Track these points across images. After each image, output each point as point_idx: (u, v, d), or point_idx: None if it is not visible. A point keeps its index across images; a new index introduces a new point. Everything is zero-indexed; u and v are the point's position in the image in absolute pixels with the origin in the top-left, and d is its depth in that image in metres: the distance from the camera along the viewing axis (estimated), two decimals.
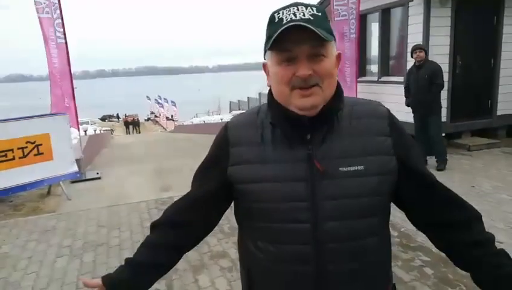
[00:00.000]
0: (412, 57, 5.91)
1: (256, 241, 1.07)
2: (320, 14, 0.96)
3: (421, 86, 5.77)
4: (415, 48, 5.85)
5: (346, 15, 7.72)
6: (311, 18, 0.94)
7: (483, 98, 7.18)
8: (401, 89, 7.27)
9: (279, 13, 0.97)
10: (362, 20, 8.05)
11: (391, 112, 1.09)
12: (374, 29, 8.16)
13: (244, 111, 1.17)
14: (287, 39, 0.93)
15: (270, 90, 1.08)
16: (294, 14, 0.94)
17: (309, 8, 0.96)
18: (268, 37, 0.98)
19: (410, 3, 6.86)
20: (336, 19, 7.72)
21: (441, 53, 6.44)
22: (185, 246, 1.19)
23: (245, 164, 1.04)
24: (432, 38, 6.61)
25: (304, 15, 0.94)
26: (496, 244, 1.08)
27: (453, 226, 1.07)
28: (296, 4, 0.98)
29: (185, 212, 1.15)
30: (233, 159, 1.06)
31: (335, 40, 1.01)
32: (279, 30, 0.93)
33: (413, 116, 6.12)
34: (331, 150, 1.00)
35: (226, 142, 1.08)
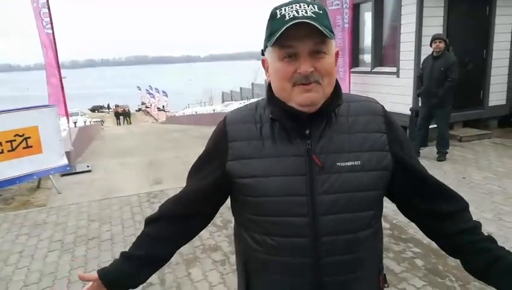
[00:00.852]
0: (430, 46, 5.75)
1: (254, 235, 1.08)
2: (321, 12, 0.98)
3: (435, 78, 5.63)
4: (435, 38, 5.66)
5: (339, 4, 7.67)
6: (314, 16, 0.95)
7: (475, 89, 7.22)
8: (393, 79, 7.30)
9: (281, 9, 0.98)
10: (355, 9, 8.00)
11: (385, 108, 1.12)
12: (367, 19, 8.13)
13: (241, 105, 1.18)
14: (290, 36, 0.94)
15: (269, 86, 1.09)
16: (297, 11, 0.95)
17: (311, 5, 0.98)
18: (270, 33, 0.99)
19: None
20: (328, 8, 7.67)
21: None
22: (182, 240, 1.20)
23: (244, 159, 1.05)
24: (424, 29, 6.60)
25: (306, 12, 0.95)
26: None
27: (443, 217, 1.11)
28: (297, 1, 0.98)
29: (185, 207, 1.16)
30: (232, 153, 1.06)
31: (334, 37, 1.02)
32: (285, 27, 0.93)
33: (420, 106, 6.04)
34: (329, 145, 1.03)
35: (224, 136, 1.09)
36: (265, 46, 1.02)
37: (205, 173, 1.13)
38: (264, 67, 1.09)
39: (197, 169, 1.17)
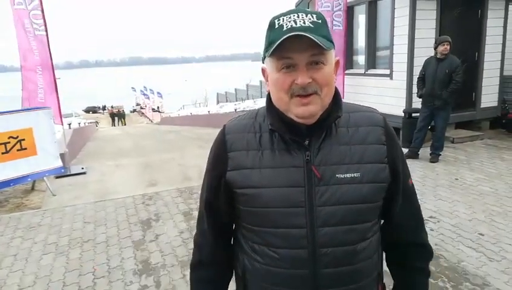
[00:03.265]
0: (435, 48, 5.76)
1: (253, 244, 1.09)
2: (320, 21, 0.97)
3: (439, 79, 5.65)
4: (443, 41, 5.66)
5: (329, 6, 7.71)
6: (312, 26, 0.94)
7: (468, 90, 7.28)
8: (387, 81, 7.36)
9: (279, 19, 0.97)
10: (349, 12, 8.05)
11: (385, 118, 1.12)
12: (361, 21, 8.19)
13: (241, 114, 1.17)
14: (287, 47, 0.94)
15: (268, 95, 1.08)
16: (295, 22, 0.95)
17: (309, 15, 0.96)
18: (268, 44, 0.98)
19: None
20: (318, 9, 7.72)
21: (426, 46, 6.51)
22: (230, 258, 1.23)
23: (243, 169, 1.05)
24: (417, 32, 6.67)
25: (304, 22, 0.94)
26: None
27: (397, 245, 1.20)
28: (296, 11, 0.98)
29: (216, 236, 1.19)
30: (231, 163, 1.06)
31: (334, 47, 1.01)
32: (280, 40, 0.93)
33: (421, 107, 6.04)
34: (329, 156, 1.02)
35: (224, 145, 1.09)
36: (264, 56, 1.02)
37: (216, 191, 1.12)
38: (264, 76, 1.08)
39: (207, 185, 1.16)
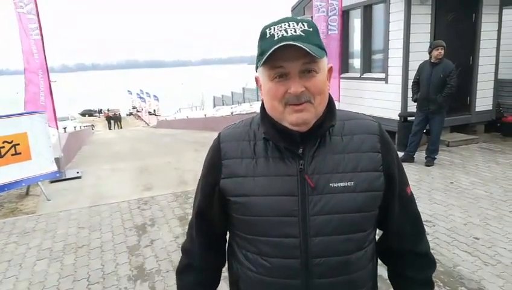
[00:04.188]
0: (429, 53, 5.79)
1: (247, 253, 1.09)
2: (311, 29, 0.97)
3: (434, 84, 5.69)
4: (438, 45, 5.69)
5: (324, 11, 7.75)
6: (303, 34, 0.94)
7: (462, 94, 7.32)
8: (382, 85, 7.39)
9: (270, 29, 0.97)
10: (345, 16, 8.09)
11: (381, 125, 1.11)
12: (357, 25, 8.23)
13: (237, 122, 1.16)
14: (279, 56, 0.93)
15: (262, 104, 1.08)
16: (286, 31, 0.94)
17: (300, 23, 0.96)
18: (260, 53, 0.98)
19: (392, 0, 6.94)
20: (316, 14, 7.76)
21: (421, 50, 6.55)
22: (221, 264, 1.25)
23: (237, 177, 1.05)
24: (412, 36, 6.71)
25: (295, 31, 0.94)
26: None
27: (395, 252, 1.18)
28: (287, 20, 0.97)
29: (209, 244, 1.20)
30: (225, 171, 1.06)
31: (327, 54, 1.01)
32: (271, 50, 0.92)
33: (416, 112, 6.07)
34: (323, 165, 1.02)
35: (218, 153, 1.09)
36: (257, 66, 1.01)
37: (210, 198, 1.12)
38: (257, 85, 1.08)
39: (203, 192, 1.15)
